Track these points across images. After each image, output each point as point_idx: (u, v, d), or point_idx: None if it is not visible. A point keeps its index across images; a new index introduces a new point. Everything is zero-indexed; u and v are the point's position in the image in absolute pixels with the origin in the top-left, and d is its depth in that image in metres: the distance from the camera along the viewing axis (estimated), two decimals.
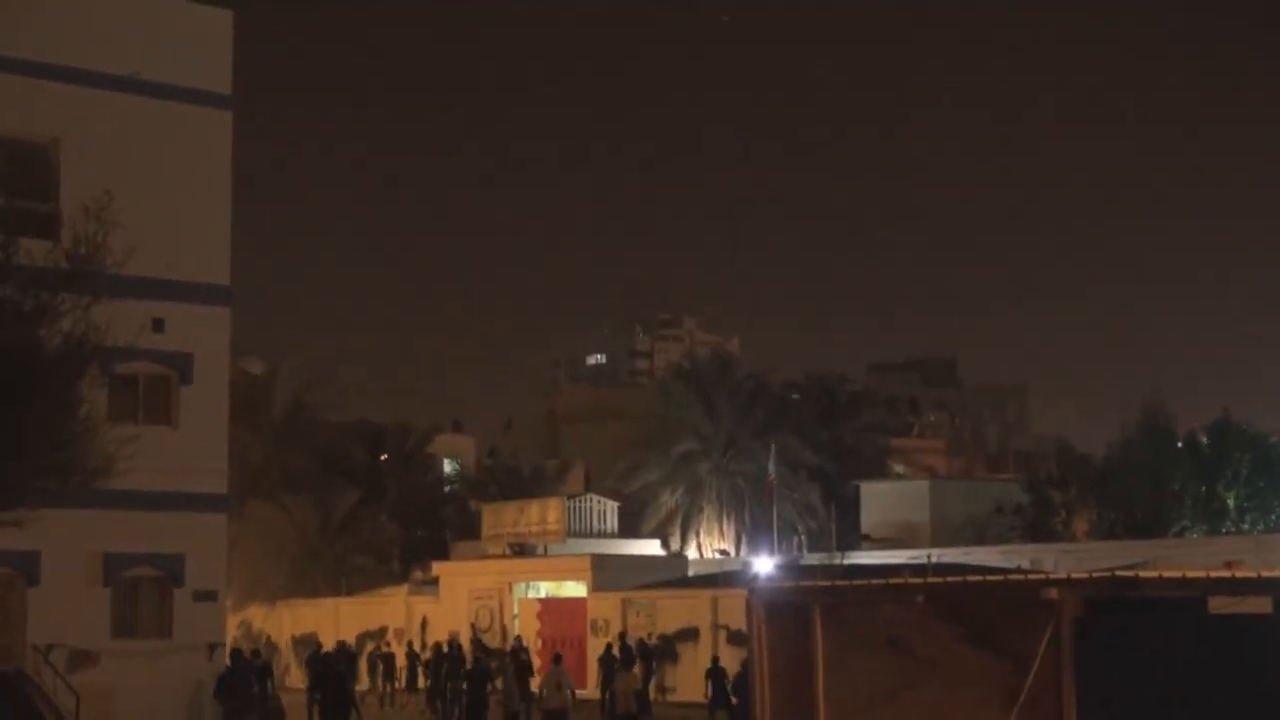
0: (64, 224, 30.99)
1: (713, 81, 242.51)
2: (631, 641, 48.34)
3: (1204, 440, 70.54)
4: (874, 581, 18.27)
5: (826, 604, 17.16)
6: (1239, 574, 18.09)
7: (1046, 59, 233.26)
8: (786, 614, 17.32)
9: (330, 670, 35.60)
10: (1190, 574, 16.54)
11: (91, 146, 34.06)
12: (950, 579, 17.75)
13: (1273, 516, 66.31)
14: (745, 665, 37.93)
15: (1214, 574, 17.08)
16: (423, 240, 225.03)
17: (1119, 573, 19.23)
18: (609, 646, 47.79)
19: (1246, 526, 66.09)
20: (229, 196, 36.45)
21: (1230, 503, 68.34)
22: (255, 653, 44.90)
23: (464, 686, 36.98)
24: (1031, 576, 16.10)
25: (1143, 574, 17.17)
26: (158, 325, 34.19)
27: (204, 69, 36.24)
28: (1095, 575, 15.78)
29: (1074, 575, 15.74)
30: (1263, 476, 68.29)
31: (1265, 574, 17.53)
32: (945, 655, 16.15)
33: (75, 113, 34.17)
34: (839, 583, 20.15)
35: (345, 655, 45.99)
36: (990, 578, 17.67)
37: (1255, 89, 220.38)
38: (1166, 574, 17.06)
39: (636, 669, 43.36)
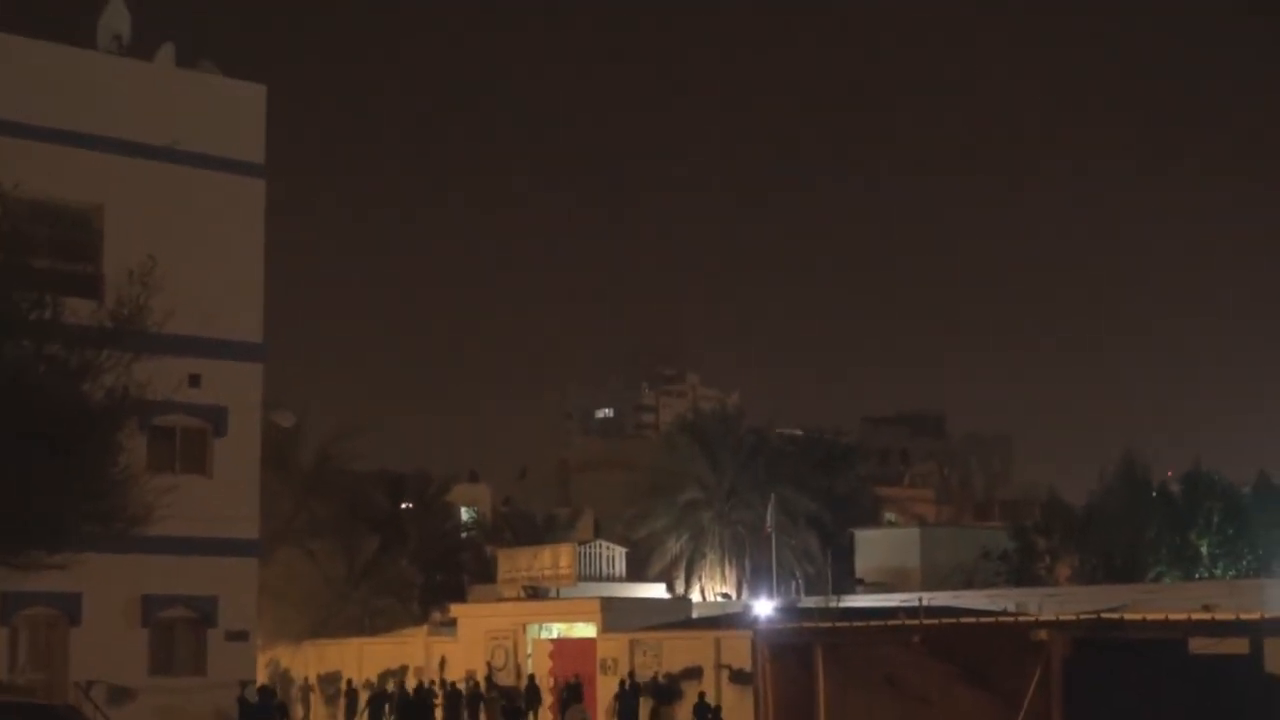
0: (107, 285, 31.21)
1: (714, 141, 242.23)
2: (641, 680, 48.58)
3: (1177, 490, 70.75)
4: (873, 623, 18.48)
5: (828, 644, 17.34)
6: (1217, 617, 18.23)
7: (1031, 116, 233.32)
8: (790, 653, 17.50)
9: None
10: (1173, 617, 16.72)
11: (133, 212, 34.33)
12: (945, 621, 17.92)
13: (1243, 563, 66.33)
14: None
15: (1195, 616, 17.25)
16: (442, 299, 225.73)
17: (1102, 615, 19.34)
18: (622, 684, 48.04)
19: (1219, 572, 66.17)
20: (262, 258, 36.68)
21: (1203, 550, 68.40)
22: (271, 690, 45.06)
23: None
24: (1022, 619, 16.26)
25: (1128, 617, 17.23)
26: (194, 380, 34.42)
27: (239, 139, 36.56)
28: (1083, 618, 15.91)
29: (1063, 618, 15.88)
30: (1233, 525, 68.40)
31: (1243, 616, 17.66)
32: (940, 693, 16.31)
33: (118, 180, 34.48)
34: (840, 624, 20.32)
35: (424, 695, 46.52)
36: (983, 620, 17.85)
37: (1226, 143, 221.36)
38: (1151, 617, 17.21)
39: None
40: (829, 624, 19.80)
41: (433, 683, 52.89)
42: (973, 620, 17.99)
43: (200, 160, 35.72)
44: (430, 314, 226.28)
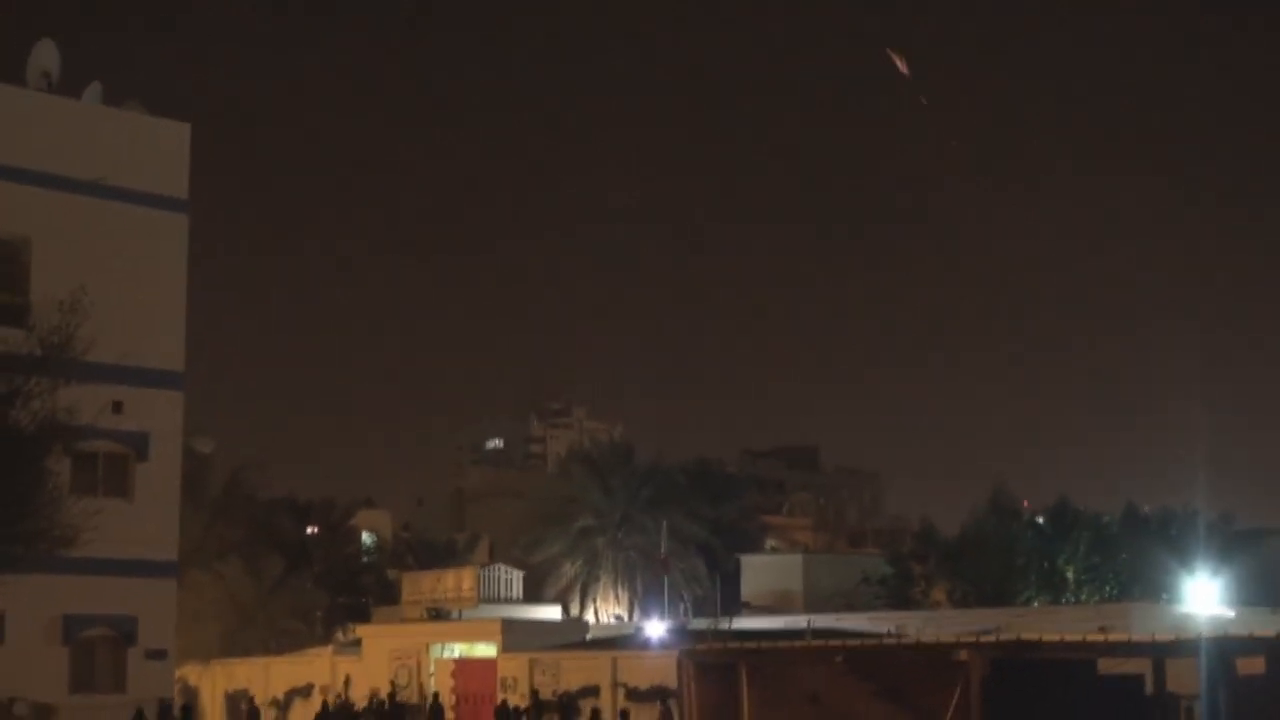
0: (34, 314, 30.63)
1: (581, 173, 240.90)
2: (548, 696, 48.46)
3: (1043, 520, 71.55)
4: (798, 644, 18.28)
5: (752, 664, 17.10)
6: (1113, 638, 18.23)
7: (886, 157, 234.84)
8: (714, 672, 17.24)
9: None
10: (1091, 638, 16.68)
11: (59, 244, 33.84)
12: (868, 643, 17.77)
13: (1107, 588, 67.04)
14: None
15: (1111, 638, 17.24)
16: (346, 333, 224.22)
17: (974, 637, 19.37)
18: (504, 702, 47.82)
19: (1084, 597, 66.84)
20: (184, 290, 36.32)
21: (1069, 576, 69.10)
22: (185, 708, 44.50)
23: None
24: (943, 640, 16.05)
25: (1045, 638, 17.11)
26: (117, 407, 33.90)
27: (163, 175, 36.21)
28: (1002, 640, 15.80)
29: (983, 639, 15.75)
30: (1097, 552, 69.17)
31: (1152, 639, 17.62)
32: (861, 711, 16.10)
33: (45, 213, 33.99)
34: (764, 645, 20.10)
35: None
36: (904, 641, 17.68)
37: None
38: (1068, 638, 17.13)
39: None
40: (754, 645, 19.55)
41: (346, 699, 52.21)
42: (894, 642, 17.76)
43: (126, 195, 35.28)
44: (332, 349, 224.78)
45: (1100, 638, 17.15)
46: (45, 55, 36.00)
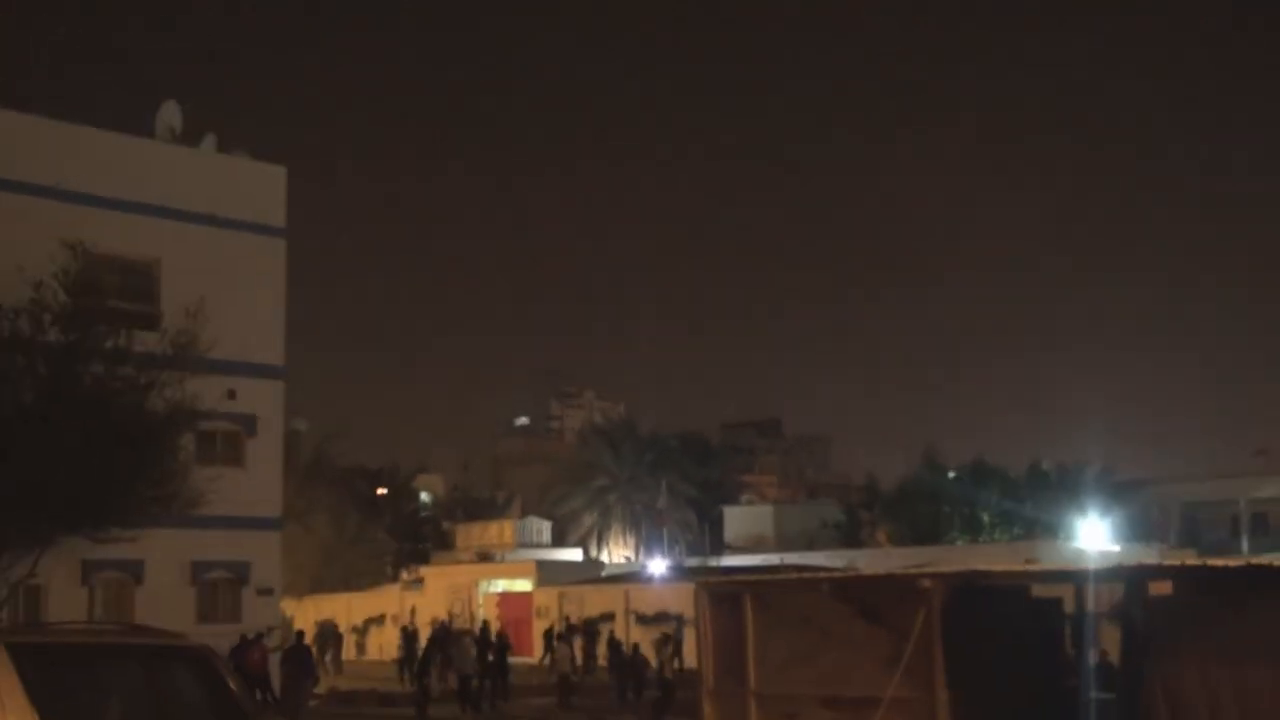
0: (164, 320, 30.50)
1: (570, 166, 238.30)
2: (565, 622, 48.24)
3: (964, 475, 71.76)
4: (791, 576, 18.24)
5: (755, 593, 16.99)
6: (1043, 567, 18.18)
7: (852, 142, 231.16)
8: (725, 601, 17.12)
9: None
10: (1028, 567, 16.67)
11: (183, 264, 33.54)
12: (849, 573, 17.73)
13: (1015, 529, 67.15)
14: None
15: (1042, 567, 17.22)
16: (404, 327, 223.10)
17: (912, 569, 19.32)
18: (551, 627, 47.63)
19: (997, 537, 66.92)
20: (283, 299, 36.09)
21: (986, 520, 69.24)
22: (300, 634, 44.33)
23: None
24: (910, 571, 15.97)
25: (994, 568, 17.03)
26: (231, 395, 33.54)
27: (265, 208, 35.96)
28: (959, 570, 15.70)
29: (943, 570, 15.64)
30: (1008, 500, 69.30)
31: (1080, 568, 17.55)
32: (845, 629, 16.01)
33: (172, 240, 33.73)
34: (765, 577, 20.06)
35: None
36: (878, 572, 17.60)
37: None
38: (1014, 568, 17.05)
39: (576, 642, 43.17)
40: (756, 578, 19.44)
41: (413, 626, 51.78)
42: (871, 574, 17.70)
43: (236, 224, 35.05)
44: (390, 342, 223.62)
45: (1034, 567, 17.07)
46: (169, 113, 35.91)
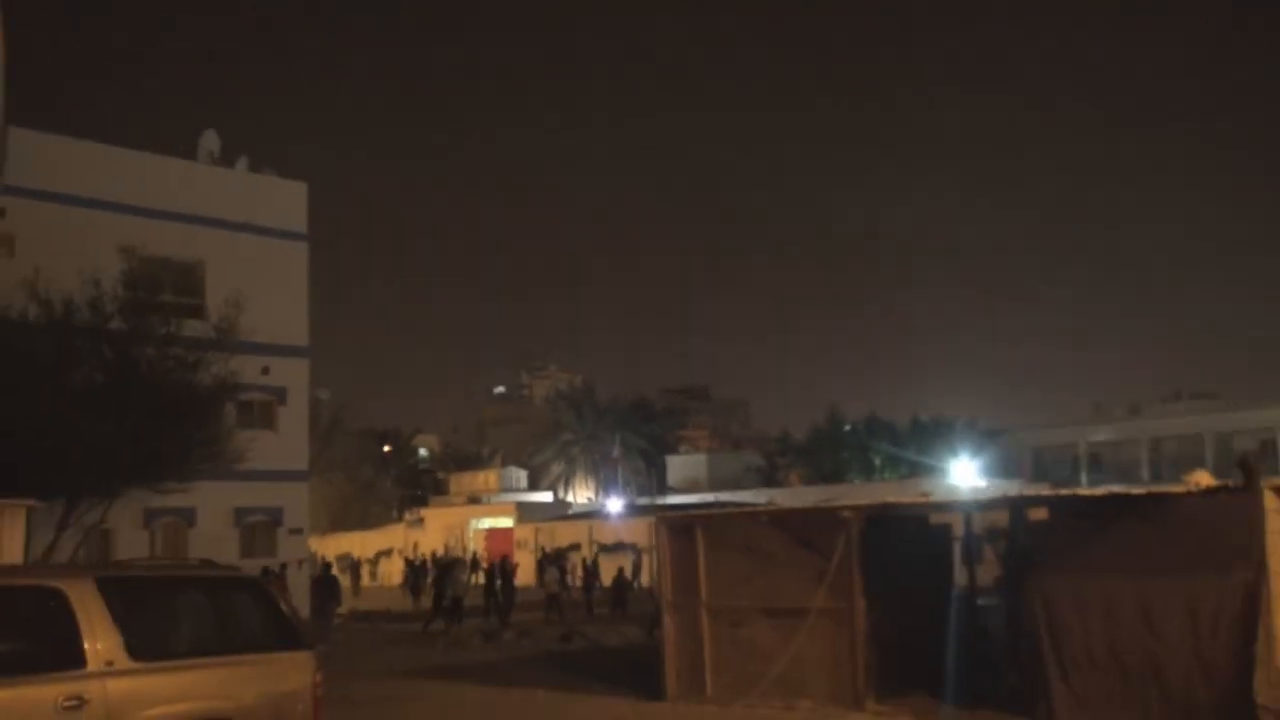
0: (209, 310, 30.03)
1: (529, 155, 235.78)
2: (550, 550, 47.94)
3: (860, 426, 72.10)
4: (735, 510, 18.05)
5: (705, 525, 16.79)
6: (932, 499, 18.08)
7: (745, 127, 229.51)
8: (680, 532, 16.91)
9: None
10: (929, 500, 16.54)
11: (224, 264, 33.05)
12: (784, 507, 17.54)
13: (901, 470, 67.53)
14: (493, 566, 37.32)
15: (937, 499, 17.11)
16: (393, 311, 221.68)
17: (819, 504, 19.21)
18: (544, 553, 47.41)
19: (887, 476, 67.21)
20: (306, 292, 35.64)
21: (877, 463, 69.56)
22: (328, 565, 44.07)
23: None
24: (832, 504, 15.81)
25: (902, 500, 16.88)
26: (265, 370, 33.23)
27: (290, 216, 35.52)
28: (873, 503, 15.55)
29: (859, 503, 15.47)
30: (895, 446, 69.63)
31: (972, 499, 17.45)
32: (781, 551, 15.85)
33: (214, 244, 33.26)
34: (713, 511, 19.84)
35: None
36: (807, 506, 17.42)
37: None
38: (916, 500, 16.90)
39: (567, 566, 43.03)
40: (707, 512, 19.20)
41: (416, 557, 51.42)
42: (802, 507, 17.52)
43: (266, 231, 34.61)
44: (384, 321, 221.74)
45: (931, 500, 16.94)
46: (209, 140, 35.36)
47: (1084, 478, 62.44)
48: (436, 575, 33.50)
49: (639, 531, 47.57)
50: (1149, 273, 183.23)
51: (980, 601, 16.90)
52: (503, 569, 34.24)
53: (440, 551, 53.18)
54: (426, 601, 34.73)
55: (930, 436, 69.07)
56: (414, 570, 45.21)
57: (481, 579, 37.03)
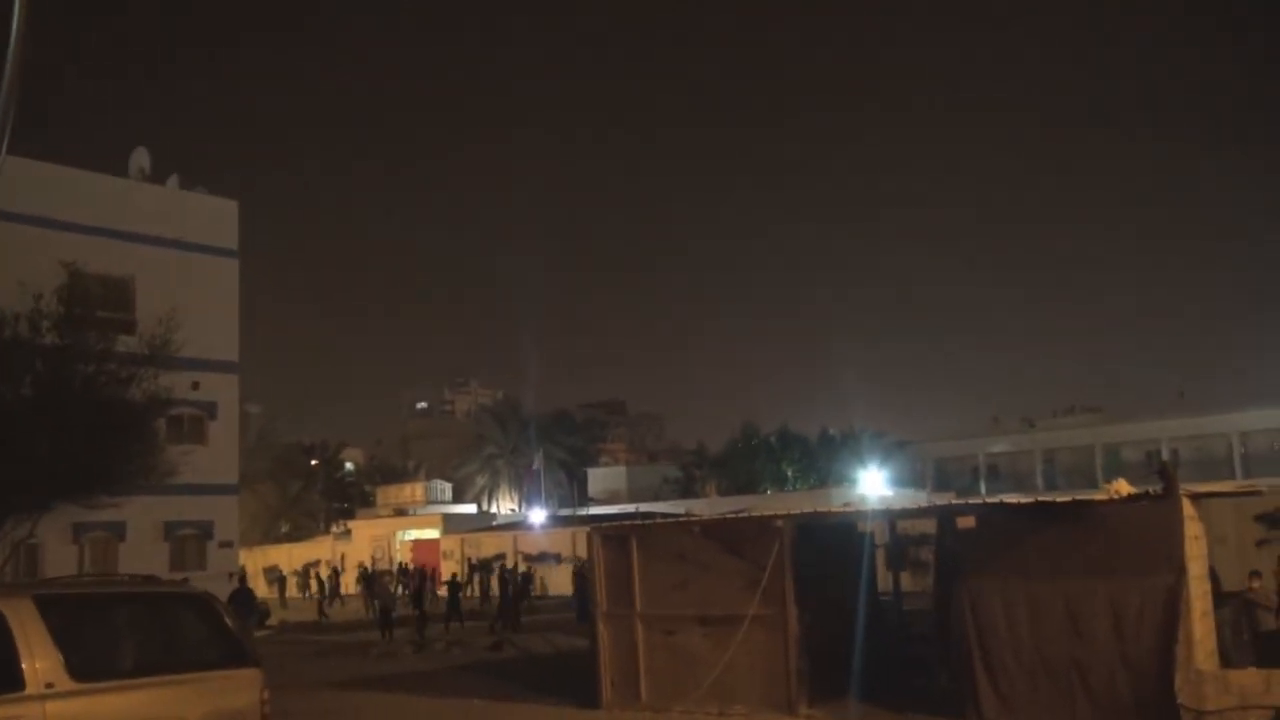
0: (140, 325, 29.01)
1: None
2: (476, 561, 47.28)
3: (773, 439, 72.22)
4: (669, 520, 17.74)
5: (639, 535, 16.44)
6: (859, 509, 17.95)
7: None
8: (614, 541, 16.55)
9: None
10: (856, 509, 16.39)
11: (155, 280, 32.04)
12: (716, 516, 17.24)
13: (812, 480, 67.78)
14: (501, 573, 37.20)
15: (863, 509, 16.94)
16: (313, 327, 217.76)
17: (735, 514, 19.04)
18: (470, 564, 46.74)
19: (798, 486, 67.21)
20: (237, 307, 34.78)
21: (789, 473, 69.71)
22: (242, 578, 42.78)
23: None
24: (764, 514, 15.54)
25: (832, 510, 16.69)
26: (196, 386, 32.25)
27: (220, 234, 34.63)
28: (804, 512, 15.32)
29: (790, 512, 15.24)
30: (806, 458, 69.95)
31: (901, 508, 17.31)
32: (713, 560, 15.56)
33: (144, 260, 32.25)
34: (646, 522, 19.50)
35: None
36: (739, 515, 17.14)
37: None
38: (843, 510, 16.74)
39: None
40: (640, 522, 18.86)
41: (341, 568, 50.43)
42: (733, 516, 17.23)
43: (196, 248, 33.67)
44: (309, 335, 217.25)
45: (858, 509, 16.77)
46: (140, 157, 34.37)
47: (983, 486, 63.14)
48: (412, 582, 32.63)
49: (562, 541, 47.06)
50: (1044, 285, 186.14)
51: (906, 607, 16.76)
52: (518, 577, 33.46)
53: (369, 565, 52.20)
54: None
55: (838, 448, 69.46)
56: (368, 579, 44.05)
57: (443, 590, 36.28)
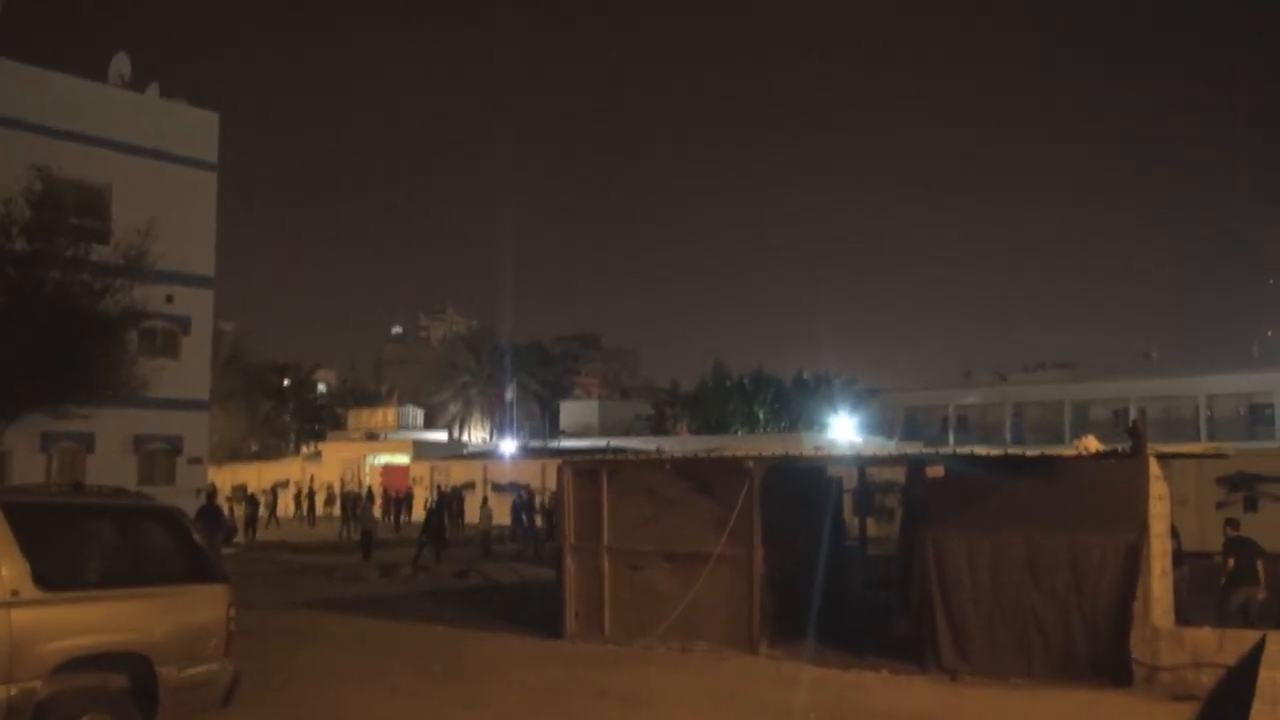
0: (115, 235, 28.62)
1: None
2: (447, 489, 47.21)
3: (746, 380, 72.34)
4: (640, 456, 17.76)
5: (609, 470, 16.48)
6: (829, 454, 18.02)
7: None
8: (585, 475, 16.58)
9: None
10: (826, 454, 16.44)
11: (131, 189, 31.49)
12: (688, 455, 17.28)
13: (783, 423, 68.05)
14: (516, 500, 37.40)
15: (834, 453, 17.02)
16: (296, 248, 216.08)
17: (706, 453, 19.12)
18: (440, 491, 46.56)
19: (769, 429, 67.49)
20: (214, 219, 34.31)
21: (761, 416, 69.91)
22: (211, 494, 42.70)
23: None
24: (736, 454, 15.60)
25: (803, 452, 16.77)
26: (170, 299, 31.89)
27: (199, 145, 34.04)
28: (774, 454, 15.37)
29: (762, 454, 15.28)
30: (778, 401, 70.10)
31: (873, 454, 17.40)
32: (682, 498, 15.63)
33: (121, 169, 31.67)
34: (617, 456, 19.54)
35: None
36: (711, 454, 17.20)
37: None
38: (814, 453, 16.81)
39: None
40: (612, 457, 18.92)
41: (311, 489, 50.35)
42: (705, 454, 17.29)
43: (175, 158, 33.10)
44: (299, 254, 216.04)
45: (828, 454, 16.85)
46: (120, 63, 33.65)
47: (951, 437, 63.59)
48: (428, 511, 32.29)
49: (531, 472, 47.17)
50: (1027, 242, 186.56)
51: (871, 553, 16.92)
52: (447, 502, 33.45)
53: (336, 485, 52.21)
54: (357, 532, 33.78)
55: (811, 393, 69.70)
56: (348, 499, 44.05)
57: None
